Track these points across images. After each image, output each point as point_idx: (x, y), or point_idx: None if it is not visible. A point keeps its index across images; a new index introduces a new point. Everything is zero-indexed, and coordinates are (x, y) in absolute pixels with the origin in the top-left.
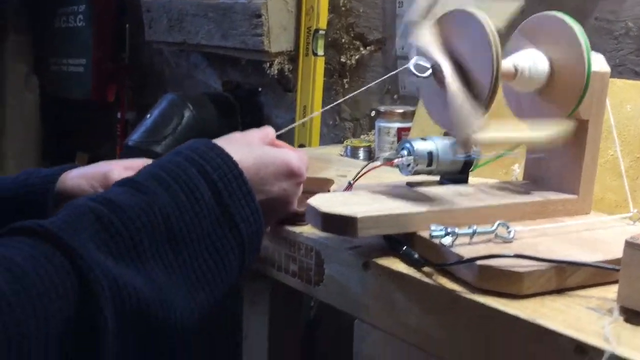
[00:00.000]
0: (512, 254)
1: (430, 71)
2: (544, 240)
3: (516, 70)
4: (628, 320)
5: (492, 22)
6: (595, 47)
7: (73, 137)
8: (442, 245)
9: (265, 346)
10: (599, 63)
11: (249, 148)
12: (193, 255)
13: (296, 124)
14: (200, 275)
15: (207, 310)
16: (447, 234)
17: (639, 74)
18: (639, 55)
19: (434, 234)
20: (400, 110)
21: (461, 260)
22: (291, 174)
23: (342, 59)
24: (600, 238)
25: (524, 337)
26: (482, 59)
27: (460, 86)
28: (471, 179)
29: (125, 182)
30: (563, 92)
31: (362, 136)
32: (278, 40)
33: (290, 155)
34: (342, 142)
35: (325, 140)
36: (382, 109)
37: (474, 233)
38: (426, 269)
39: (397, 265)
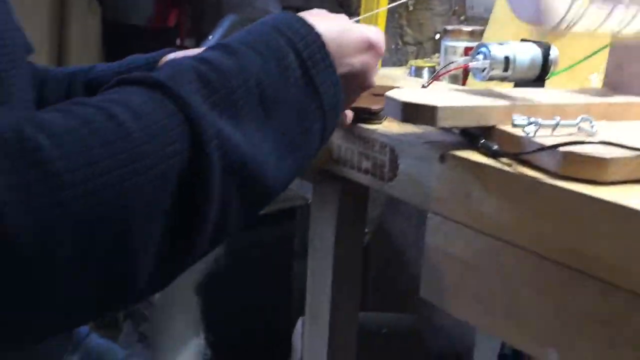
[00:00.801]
0: (597, 141)
1: None
2: (629, 135)
3: None
4: None
5: None
6: None
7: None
8: (525, 133)
9: (332, 249)
10: None
11: (330, 21)
12: (282, 121)
13: (368, 14)
14: (287, 142)
15: (290, 178)
16: (530, 123)
17: None
18: None
19: (517, 122)
20: (469, 29)
21: (544, 147)
22: (371, 46)
23: None
24: None
25: (611, 220)
26: None
27: None
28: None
29: (218, 46)
30: None
31: (425, 59)
32: None
33: (369, 29)
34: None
35: (386, 64)
36: (449, 27)
37: (557, 124)
38: (505, 159)
39: (475, 156)
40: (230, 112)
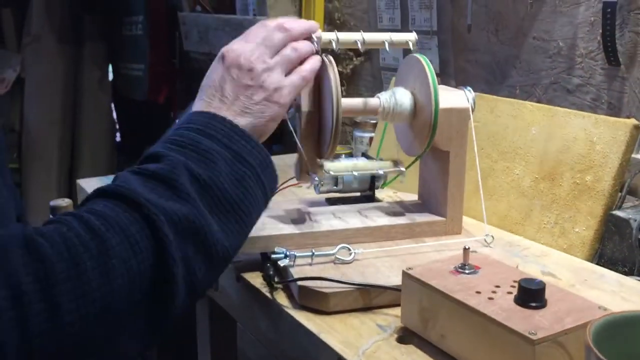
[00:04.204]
0: (326, 277)
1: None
2: (383, 261)
3: (379, 105)
4: (400, 339)
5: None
6: (533, 66)
7: (140, 133)
8: (283, 265)
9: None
10: (459, 99)
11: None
12: (218, 189)
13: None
14: (226, 204)
15: (240, 237)
16: (285, 256)
17: (570, 92)
18: (570, 74)
19: (274, 256)
20: (374, 121)
21: (287, 280)
22: (237, 64)
23: (340, 68)
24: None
25: (311, 349)
26: (328, 102)
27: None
28: (390, 194)
29: (148, 155)
30: (422, 126)
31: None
32: None
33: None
34: None
35: None
36: (358, 119)
37: (312, 255)
38: (277, 284)
39: (257, 279)
40: (171, 193)
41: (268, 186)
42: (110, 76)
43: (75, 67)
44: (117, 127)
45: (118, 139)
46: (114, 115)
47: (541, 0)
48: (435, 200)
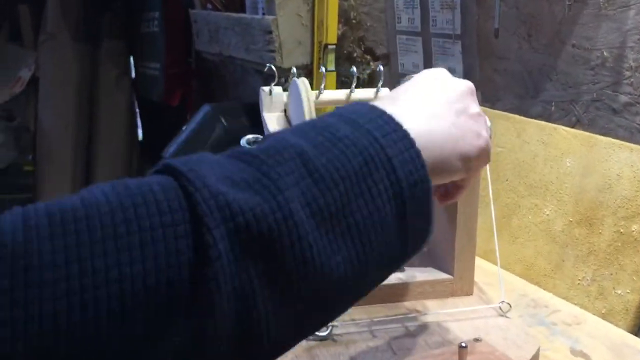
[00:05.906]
0: None
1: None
2: (367, 339)
3: None
4: None
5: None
6: (572, 78)
7: (158, 133)
8: None
9: None
10: None
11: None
12: (336, 190)
13: None
14: (342, 215)
15: (353, 265)
16: None
17: (616, 112)
18: (616, 90)
19: None
20: None
21: None
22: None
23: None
24: (422, 344)
25: None
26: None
27: None
28: None
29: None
30: None
31: None
32: (291, 55)
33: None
34: None
35: None
36: None
37: None
38: None
39: None
40: (263, 183)
41: (411, 223)
42: (134, 74)
43: (91, 65)
44: (140, 126)
45: (140, 138)
46: (137, 114)
47: (582, 2)
48: (441, 251)
